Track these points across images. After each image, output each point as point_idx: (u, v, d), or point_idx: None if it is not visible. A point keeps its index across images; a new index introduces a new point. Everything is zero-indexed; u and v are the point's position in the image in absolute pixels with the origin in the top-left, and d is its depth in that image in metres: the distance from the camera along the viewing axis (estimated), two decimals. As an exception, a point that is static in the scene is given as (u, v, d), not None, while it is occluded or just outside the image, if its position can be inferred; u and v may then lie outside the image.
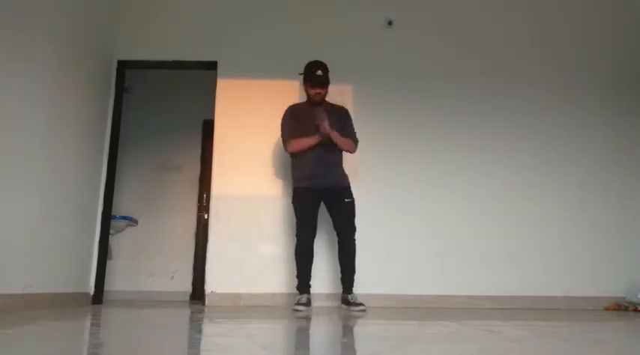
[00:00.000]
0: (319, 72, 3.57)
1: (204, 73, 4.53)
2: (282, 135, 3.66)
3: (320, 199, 3.56)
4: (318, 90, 3.59)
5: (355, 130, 3.72)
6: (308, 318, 2.75)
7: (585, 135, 4.35)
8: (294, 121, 3.63)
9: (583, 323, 2.69)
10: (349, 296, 3.48)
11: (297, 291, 3.53)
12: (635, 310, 3.79)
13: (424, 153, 4.26)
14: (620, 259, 4.13)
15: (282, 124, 3.68)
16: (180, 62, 4.45)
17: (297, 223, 3.55)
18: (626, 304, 3.89)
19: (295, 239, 3.54)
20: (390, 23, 4.46)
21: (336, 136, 3.54)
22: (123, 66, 4.41)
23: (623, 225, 4.20)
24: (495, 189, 4.22)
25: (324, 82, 3.60)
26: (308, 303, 3.43)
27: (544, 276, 4.06)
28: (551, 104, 4.38)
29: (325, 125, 3.45)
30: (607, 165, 4.30)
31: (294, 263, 3.55)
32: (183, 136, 5.70)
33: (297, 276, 3.53)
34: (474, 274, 4.04)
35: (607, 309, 3.91)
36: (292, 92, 4.31)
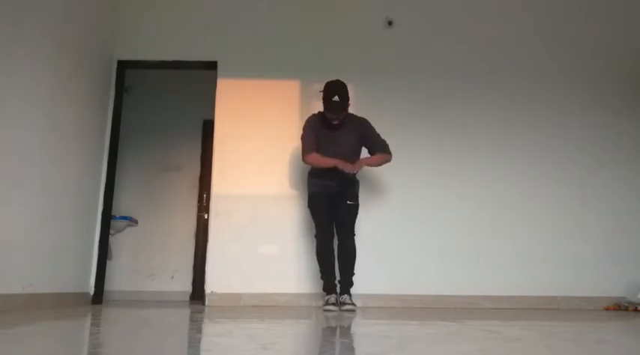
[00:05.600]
0: (336, 98, 3.41)
1: (204, 73, 4.53)
2: (303, 145, 3.59)
3: (330, 202, 3.57)
4: (334, 117, 3.49)
5: (378, 133, 3.66)
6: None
7: (586, 135, 4.35)
8: (316, 133, 3.59)
9: (583, 323, 2.69)
10: (341, 297, 3.50)
11: (324, 292, 3.57)
12: (635, 310, 3.79)
13: (424, 152, 4.26)
14: (620, 259, 4.13)
15: (304, 135, 3.62)
16: (180, 62, 4.45)
17: (316, 225, 3.58)
18: (626, 304, 3.89)
19: (315, 240, 3.57)
20: (390, 23, 4.46)
21: (367, 163, 3.55)
22: (123, 66, 4.41)
23: (623, 225, 4.20)
24: (495, 189, 4.22)
25: (340, 109, 3.45)
26: (337, 303, 3.46)
27: (544, 276, 4.06)
28: (552, 104, 4.38)
29: (348, 168, 3.42)
30: (607, 165, 4.30)
31: (317, 265, 3.58)
32: (183, 136, 5.70)
33: (322, 278, 3.56)
34: (474, 274, 4.05)
35: (607, 309, 3.91)
36: (292, 92, 4.31)
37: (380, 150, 3.64)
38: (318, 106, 4.26)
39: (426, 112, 4.33)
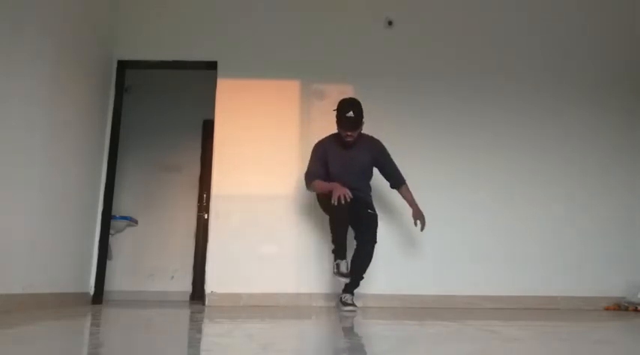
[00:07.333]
0: (350, 113, 3.37)
1: (204, 73, 4.53)
2: (307, 173, 3.54)
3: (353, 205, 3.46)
4: (349, 133, 3.43)
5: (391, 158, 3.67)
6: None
7: (585, 134, 4.35)
8: (324, 160, 3.53)
9: (583, 323, 2.69)
10: (343, 296, 3.48)
11: (333, 255, 3.42)
12: (635, 310, 3.79)
13: (424, 153, 4.25)
14: (620, 259, 4.13)
15: (311, 161, 3.58)
16: (180, 62, 4.45)
17: (331, 217, 3.38)
18: (626, 304, 3.89)
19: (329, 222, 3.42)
20: (390, 23, 4.46)
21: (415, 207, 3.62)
22: (123, 66, 4.41)
23: (623, 225, 4.20)
24: (495, 189, 4.22)
25: (355, 126, 3.41)
26: (348, 271, 3.34)
27: (544, 276, 4.06)
28: (552, 104, 4.38)
29: (342, 192, 3.27)
30: (607, 165, 4.30)
31: (329, 232, 3.40)
32: (183, 136, 5.70)
33: (333, 242, 3.39)
34: (474, 274, 4.04)
35: (607, 309, 3.91)
36: (292, 92, 4.31)
37: (397, 178, 3.65)
38: (318, 106, 4.27)
39: (426, 113, 4.33)
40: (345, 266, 3.34)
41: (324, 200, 3.49)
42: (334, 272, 3.38)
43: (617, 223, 4.20)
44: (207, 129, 5.32)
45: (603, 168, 4.30)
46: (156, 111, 5.68)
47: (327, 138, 3.63)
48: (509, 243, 4.13)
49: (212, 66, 4.35)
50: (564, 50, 4.48)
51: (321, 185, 3.47)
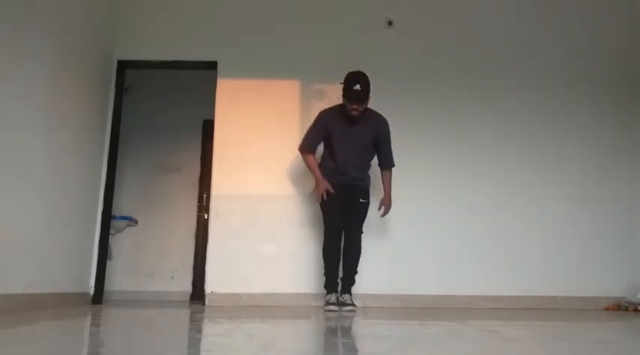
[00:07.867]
0: (357, 86, 3.35)
1: (204, 73, 4.53)
2: (305, 139, 3.62)
3: (342, 195, 3.54)
4: (355, 106, 3.42)
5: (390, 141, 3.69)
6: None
7: (585, 135, 4.35)
8: (325, 131, 3.56)
9: (583, 323, 2.69)
10: (342, 297, 3.49)
11: (325, 290, 3.56)
12: (635, 310, 3.79)
13: (423, 153, 4.25)
14: (620, 259, 4.13)
15: (311, 128, 3.62)
16: (180, 62, 4.44)
17: (325, 222, 3.56)
18: (626, 304, 3.89)
19: (323, 237, 3.56)
20: (390, 23, 4.46)
21: (388, 194, 3.66)
22: (123, 66, 4.41)
23: (622, 226, 4.20)
24: (495, 189, 4.22)
25: (362, 99, 3.40)
26: (337, 303, 3.45)
27: (544, 276, 4.06)
28: (552, 104, 4.38)
29: (318, 193, 3.51)
30: (607, 165, 4.30)
31: (322, 261, 3.57)
32: (183, 136, 5.69)
33: (325, 275, 3.55)
34: (474, 274, 4.04)
35: (607, 309, 3.91)
36: (292, 92, 4.31)
37: (388, 160, 3.67)
38: (318, 106, 4.26)
39: (426, 113, 4.32)
40: (335, 298, 3.47)
41: (323, 200, 3.55)
42: (325, 303, 3.49)
43: (617, 223, 4.20)
44: (207, 130, 5.32)
45: (603, 168, 4.30)
46: (156, 111, 5.68)
47: (332, 108, 3.64)
48: (509, 243, 4.12)
49: (212, 66, 4.35)
50: (564, 50, 4.48)
51: (311, 165, 3.58)
